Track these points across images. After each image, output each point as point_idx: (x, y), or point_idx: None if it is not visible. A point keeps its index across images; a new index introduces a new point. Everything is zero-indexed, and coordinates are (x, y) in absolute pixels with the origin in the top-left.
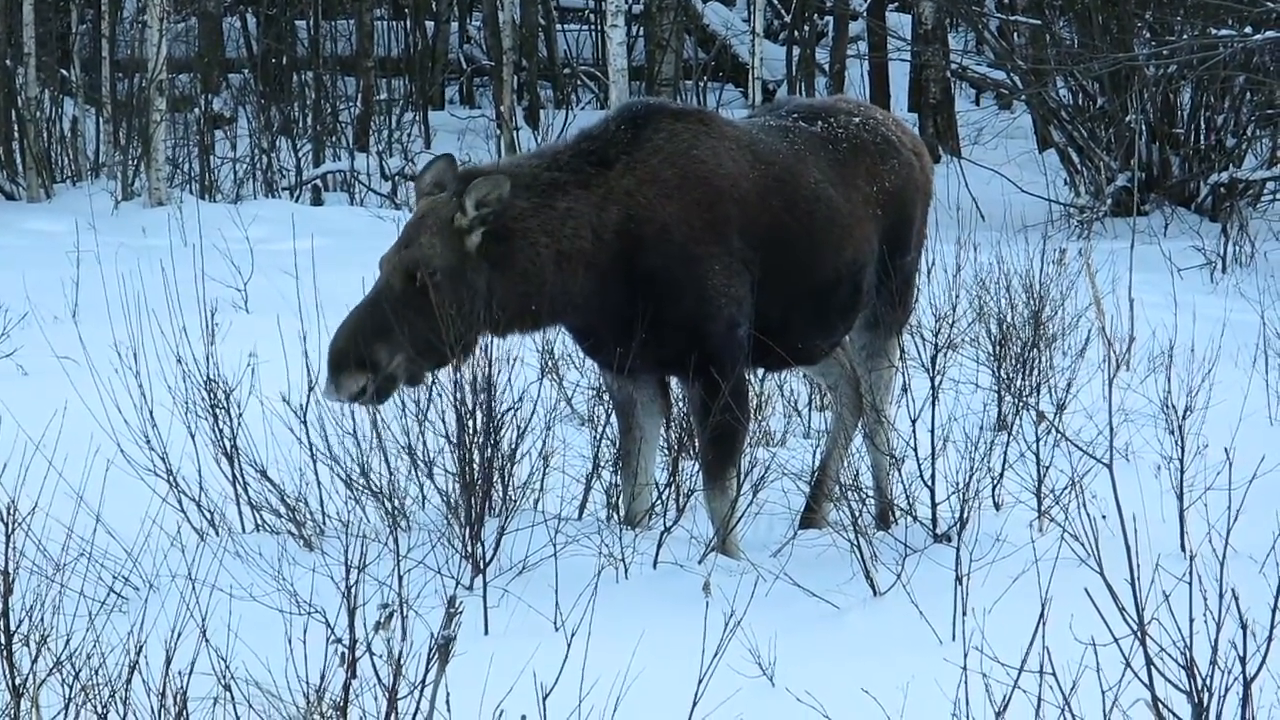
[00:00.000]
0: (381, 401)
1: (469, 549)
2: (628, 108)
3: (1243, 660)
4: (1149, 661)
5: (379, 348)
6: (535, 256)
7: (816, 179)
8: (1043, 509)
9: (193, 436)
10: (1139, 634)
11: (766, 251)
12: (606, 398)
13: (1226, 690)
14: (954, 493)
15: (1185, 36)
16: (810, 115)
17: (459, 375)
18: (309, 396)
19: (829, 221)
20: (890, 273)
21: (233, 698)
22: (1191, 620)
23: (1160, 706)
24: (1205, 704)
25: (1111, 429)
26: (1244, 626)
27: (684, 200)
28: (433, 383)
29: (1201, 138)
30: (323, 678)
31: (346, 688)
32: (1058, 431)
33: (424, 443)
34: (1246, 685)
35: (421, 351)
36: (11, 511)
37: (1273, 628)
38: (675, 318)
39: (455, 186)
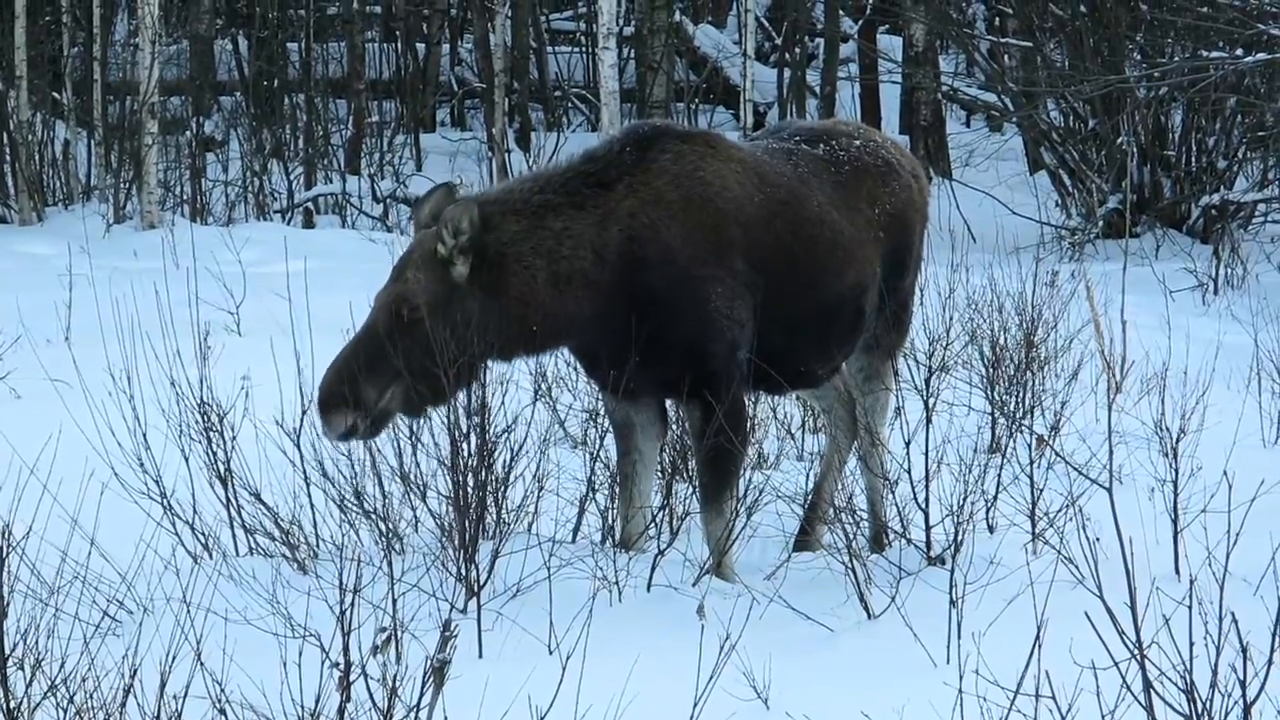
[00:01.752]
0: (375, 435)
1: (463, 572)
2: (634, 129)
3: (1243, 683)
4: (1148, 685)
5: (366, 385)
6: (530, 280)
7: (820, 202)
8: (1037, 531)
9: (186, 460)
10: (1138, 657)
11: (770, 275)
12: (601, 420)
13: (1226, 714)
14: (948, 515)
15: (1176, 59)
16: (812, 138)
17: (455, 402)
18: (302, 419)
19: (833, 245)
20: (889, 296)
21: None
22: (1191, 643)
23: None
24: None
25: (1111, 451)
26: (1244, 650)
27: (688, 222)
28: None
29: (1193, 160)
30: (317, 701)
31: (341, 711)
32: (1057, 454)
33: (418, 466)
34: (1246, 710)
35: (413, 386)
36: (6, 535)
37: (1272, 651)
38: (676, 339)
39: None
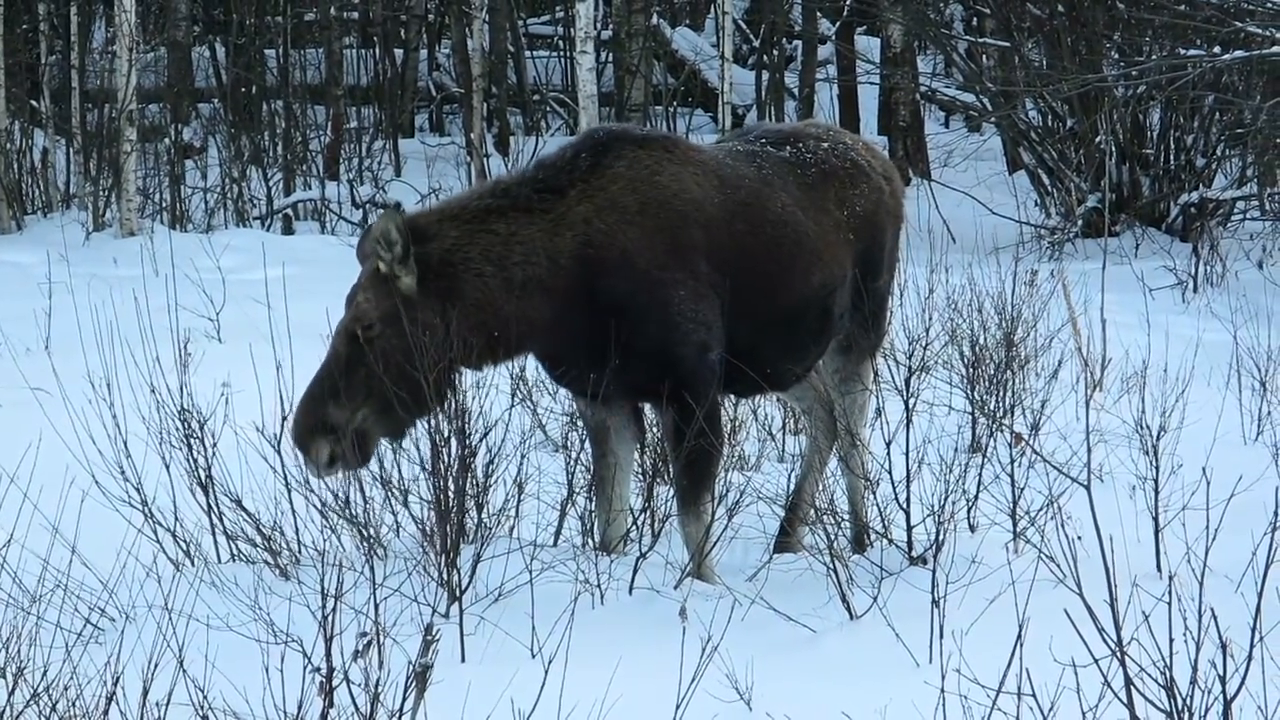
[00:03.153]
0: (364, 464)
1: (445, 576)
2: (591, 134)
3: (1223, 680)
4: (1128, 682)
5: (334, 410)
6: (484, 286)
7: (784, 203)
8: (1018, 531)
9: (167, 467)
10: (1118, 654)
11: (734, 276)
12: (581, 423)
13: (1206, 710)
14: (929, 515)
15: (1154, 57)
16: (779, 140)
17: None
18: (283, 425)
19: (797, 246)
20: (863, 297)
21: None
22: (1171, 640)
23: None
24: None
25: (1089, 449)
26: (1224, 646)
27: (645, 226)
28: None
29: (1171, 158)
30: (300, 706)
31: (324, 716)
32: (1036, 453)
33: (399, 470)
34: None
35: (385, 407)
36: None
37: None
38: (643, 344)
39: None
